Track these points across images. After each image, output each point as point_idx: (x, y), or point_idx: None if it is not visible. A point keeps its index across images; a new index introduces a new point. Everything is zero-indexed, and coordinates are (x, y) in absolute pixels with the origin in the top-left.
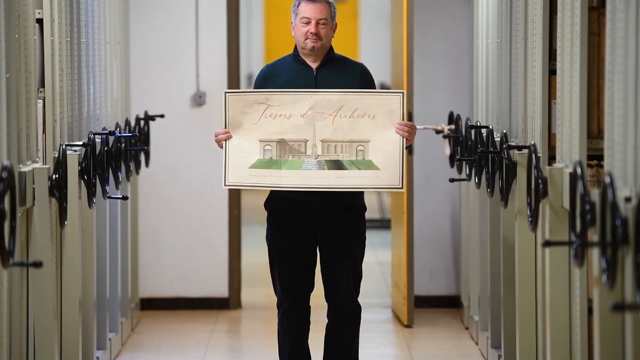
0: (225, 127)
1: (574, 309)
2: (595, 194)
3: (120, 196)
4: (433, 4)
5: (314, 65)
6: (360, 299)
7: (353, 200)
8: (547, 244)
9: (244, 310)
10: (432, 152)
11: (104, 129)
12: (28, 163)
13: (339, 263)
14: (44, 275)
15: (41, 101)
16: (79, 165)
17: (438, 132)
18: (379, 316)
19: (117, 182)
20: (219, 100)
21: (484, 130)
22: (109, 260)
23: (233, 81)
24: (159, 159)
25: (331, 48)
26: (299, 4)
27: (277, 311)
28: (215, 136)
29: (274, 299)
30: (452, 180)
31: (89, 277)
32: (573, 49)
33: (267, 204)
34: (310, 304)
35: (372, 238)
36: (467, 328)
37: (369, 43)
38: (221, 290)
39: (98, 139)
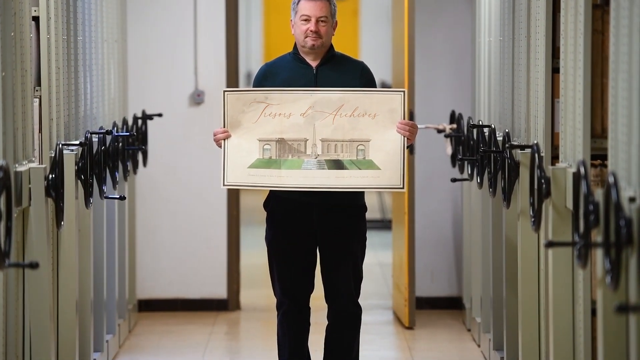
0: (224, 127)
1: (577, 311)
2: (599, 194)
3: (118, 196)
4: (434, 2)
5: (313, 64)
6: (360, 301)
7: (353, 201)
8: (550, 244)
9: (242, 312)
10: (433, 152)
11: (101, 128)
12: (24, 163)
13: (339, 264)
14: (40, 276)
15: (37, 100)
16: (75, 164)
17: (439, 131)
18: (379, 318)
19: (114, 182)
20: (218, 99)
21: (486, 130)
22: (106, 261)
23: (232, 80)
24: (156, 158)
25: (331, 46)
26: (298, 1)
27: (276, 313)
28: (214, 135)
29: (274, 300)
30: (453, 180)
31: (86, 278)
32: (576, 47)
33: (267, 204)
34: (310, 305)
35: (373, 239)
36: (469, 330)
37: (369, 41)
38: (220, 291)
39: (95, 139)
